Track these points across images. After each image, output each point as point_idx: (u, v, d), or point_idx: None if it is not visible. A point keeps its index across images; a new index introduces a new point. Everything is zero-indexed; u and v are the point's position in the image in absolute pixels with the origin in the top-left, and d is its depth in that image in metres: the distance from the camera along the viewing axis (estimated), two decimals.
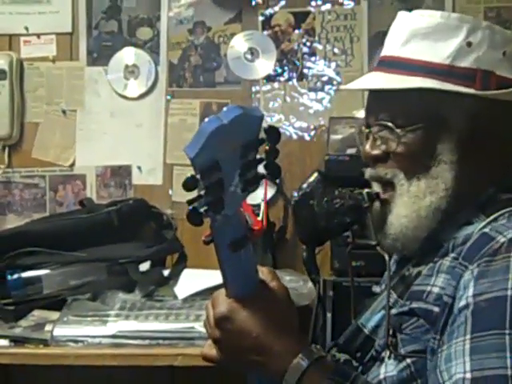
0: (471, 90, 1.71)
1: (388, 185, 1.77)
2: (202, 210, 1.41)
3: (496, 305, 1.51)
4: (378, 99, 1.80)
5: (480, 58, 1.73)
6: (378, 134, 1.76)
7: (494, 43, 1.74)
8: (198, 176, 1.39)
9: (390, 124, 1.73)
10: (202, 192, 1.40)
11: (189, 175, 1.39)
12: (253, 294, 1.58)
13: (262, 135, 1.44)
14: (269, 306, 1.58)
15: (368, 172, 1.81)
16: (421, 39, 1.75)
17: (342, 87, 1.98)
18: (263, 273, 1.62)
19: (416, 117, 1.72)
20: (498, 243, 1.57)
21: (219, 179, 1.40)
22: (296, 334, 1.60)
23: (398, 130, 1.73)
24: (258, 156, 1.44)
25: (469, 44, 1.73)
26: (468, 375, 1.47)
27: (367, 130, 1.80)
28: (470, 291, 1.55)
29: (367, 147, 1.79)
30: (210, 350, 1.65)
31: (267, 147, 1.45)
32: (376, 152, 1.77)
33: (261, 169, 1.46)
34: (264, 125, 1.45)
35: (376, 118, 1.77)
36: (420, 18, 1.78)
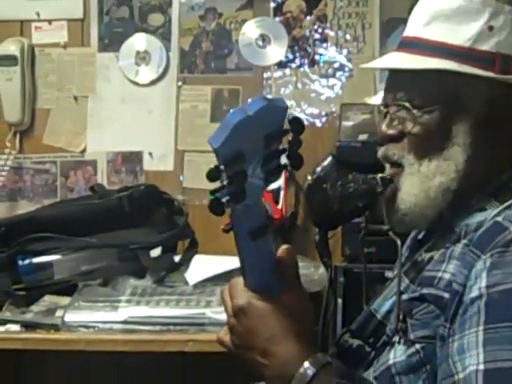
0: (490, 74, 1.70)
1: (396, 165, 1.76)
2: (224, 199, 1.41)
3: (510, 296, 1.51)
4: (396, 79, 1.78)
5: (501, 43, 1.71)
6: (396, 113, 1.75)
7: None
8: (222, 167, 1.39)
9: (407, 104, 1.72)
10: (225, 182, 1.40)
11: (212, 166, 1.40)
12: (271, 288, 1.58)
13: (286, 126, 1.44)
14: (284, 311, 1.58)
15: (379, 151, 1.80)
16: (442, 21, 1.74)
17: (362, 66, 1.96)
18: (287, 272, 1.61)
19: (433, 98, 1.71)
20: (511, 234, 1.56)
21: (242, 170, 1.40)
22: (306, 340, 1.59)
23: (415, 111, 1.71)
24: (280, 146, 1.44)
25: (490, 28, 1.71)
26: (481, 367, 1.46)
27: (385, 110, 1.78)
28: (483, 282, 1.54)
29: (383, 126, 1.78)
30: (226, 336, 1.65)
31: (290, 138, 1.45)
32: (392, 132, 1.76)
33: (283, 159, 1.46)
34: (288, 115, 1.45)
35: (394, 97, 1.76)
36: (442, 0, 1.76)
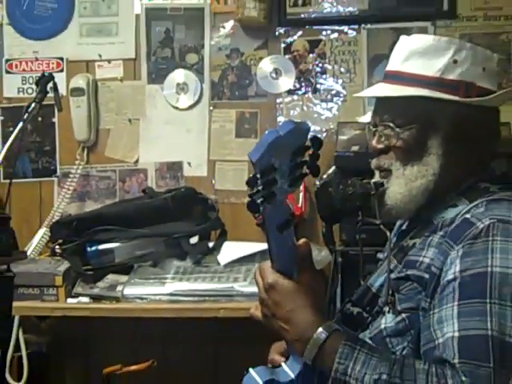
0: (456, 98, 1.70)
1: (386, 171, 1.75)
2: (258, 201, 1.42)
3: (478, 279, 1.51)
4: (382, 104, 1.78)
5: (464, 73, 1.71)
6: (383, 131, 1.75)
7: (476, 60, 1.72)
8: (258, 175, 1.40)
9: (391, 124, 1.73)
10: (260, 187, 1.40)
11: (251, 175, 1.41)
12: (293, 271, 1.58)
13: (308, 143, 1.44)
14: (303, 289, 1.58)
15: (372, 163, 1.79)
16: (417, 58, 1.74)
17: (356, 95, 1.96)
18: (305, 258, 1.61)
19: (412, 118, 1.71)
20: (478, 229, 1.56)
21: (273, 178, 1.40)
22: (320, 311, 1.59)
23: (398, 129, 1.72)
24: (303, 159, 1.44)
25: (455, 61, 1.71)
26: (456, 334, 1.47)
27: (374, 129, 1.78)
28: (457, 267, 1.54)
29: (374, 142, 1.78)
30: (256, 310, 1.67)
31: (311, 152, 1.44)
32: (380, 146, 1.76)
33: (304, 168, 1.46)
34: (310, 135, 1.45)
35: (380, 118, 1.76)
36: (417, 40, 1.77)
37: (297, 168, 1.42)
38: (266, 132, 1.40)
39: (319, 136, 1.45)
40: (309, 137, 1.43)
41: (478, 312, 1.47)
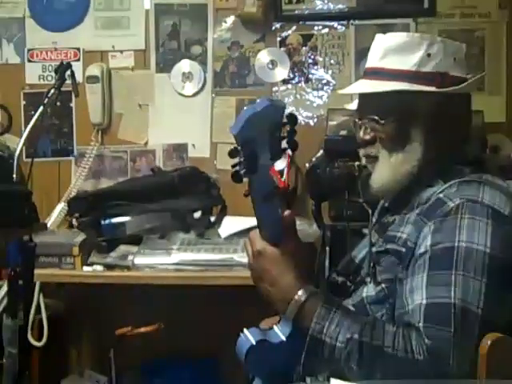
0: (432, 88, 1.69)
1: (374, 158, 1.75)
2: (242, 171, 1.43)
3: (446, 252, 1.52)
4: (365, 99, 1.78)
5: (438, 65, 1.70)
6: (367, 124, 1.75)
7: (447, 52, 1.71)
8: (239, 148, 1.41)
9: (375, 117, 1.72)
10: (242, 159, 1.42)
11: (232, 147, 1.42)
12: (279, 239, 1.58)
13: (285, 120, 1.45)
14: (287, 255, 1.59)
15: (361, 152, 1.79)
16: (393, 54, 1.73)
17: (340, 91, 1.94)
18: (289, 228, 1.61)
19: (394, 111, 1.70)
20: (449, 207, 1.57)
21: (254, 150, 1.41)
22: (302, 276, 1.59)
23: (382, 122, 1.71)
24: (281, 134, 1.45)
25: (428, 55, 1.71)
26: (424, 301, 1.48)
27: (360, 122, 1.78)
28: (428, 242, 1.56)
29: (360, 134, 1.77)
30: None
31: (288, 128, 1.45)
32: (367, 137, 1.75)
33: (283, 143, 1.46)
34: (286, 112, 1.45)
35: (365, 113, 1.76)
36: (391, 38, 1.75)
37: (276, 142, 1.43)
38: (245, 108, 1.41)
39: (295, 114, 1.47)
40: (285, 114, 1.43)
41: (443, 282, 1.48)
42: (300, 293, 1.56)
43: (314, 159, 1.78)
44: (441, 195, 1.62)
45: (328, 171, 1.82)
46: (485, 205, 1.56)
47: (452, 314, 1.45)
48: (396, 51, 1.72)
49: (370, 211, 1.81)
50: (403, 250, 1.62)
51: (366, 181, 1.76)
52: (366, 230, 1.93)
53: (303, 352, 1.53)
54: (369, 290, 1.69)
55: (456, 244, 1.52)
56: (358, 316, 1.56)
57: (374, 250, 1.72)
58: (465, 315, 1.45)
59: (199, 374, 3.18)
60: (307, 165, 1.78)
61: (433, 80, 1.69)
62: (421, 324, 1.46)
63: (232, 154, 1.42)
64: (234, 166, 1.43)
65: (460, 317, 1.44)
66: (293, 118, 1.45)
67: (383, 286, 1.65)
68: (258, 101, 1.42)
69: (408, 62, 1.70)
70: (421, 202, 1.66)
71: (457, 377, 1.42)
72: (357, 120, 1.79)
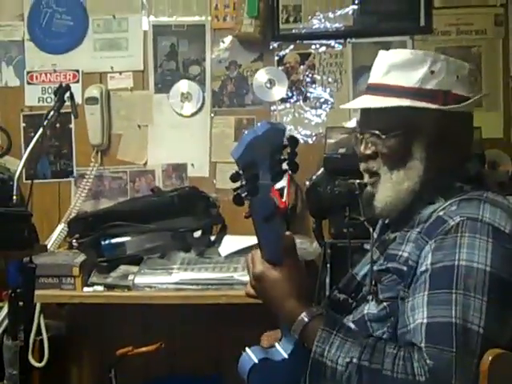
0: (435, 106, 1.68)
1: (375, 175, 1.74)
2: (243, 194, 1.43)
3: (446, 271, 1.51)
4: (368, 114, 1.76)
5: (441, 82, 1.69)
6: (369, 139, 1.74)
7: (450, 70, 1.70)
8: (241, 171, 1.41)
9: (377, 132, 1.71)
10: (244, 182, 1.42)
11: (234, 171, 1.42)
12: (280, 259, 1.57)
13: (285, 142, 1.44)
14: (287, 277, 1.57)
15: (361, 166, 1.78)
16: (397, 70, 1.72)
17: (342, 106, 1.94)
18: (289, 249, 1.60)
19: (396, 126, 1.69)
20: (449, 225, 1.56)
21: (255, 173, 1.41)
22: (303, 297, 1.59)
23: (383, 136, 1.70)
24: (282, 157, 1.44)
25: (432, 72, 1.69)
26: (424, 320, 1.47)
27: (361, 137, 1.77)
28: (429, 260, 1.54)
29: (361, 148, 1.76)
30: (249, 289, 1.65)
31: (289, 150, 1.45)
32: (368, 152, 1.74)
33: (284, 165, 1.46)
34: (286, 134, 1.44)
35: (367, 127, 1.74)
36: (395, 55, 1.75)
37: (277, 164, 1.43)
38: (245, 132, 1.40)
39: (295, 136, 1.46)
40: (286, 136, 1.43)
41: (444, 301, 1.47)
42: (303, 315, 1.55)
43: (314, 177, 1.77)
44: (441, 213, 1.60)
45: (329, 189, 1.81)
46: (485, 223, 1.54)
47: (453, 334, 1.43)
48: (399, 68, 1.71)
49: (371, 229, 1.80)
50: (404, 268, 1.61)
51: (368, 199, 1.75)
52: (367, 246, 1.92)
53: (306, 372, 1.53)
54: (370, 308, 1.68)
55: (456, 263, 1.50)
56: (359, 338, 1.54)
57: (375, 268, 1.71)
58: (466, 334, 1.44)
59: None
60: (307, 183, 1.77)
61: (435, 97, 1.68)
62: (422, 344, 1.45)
63: (234, 177, 1.42)
64: (235, 190, 1.43)
65: (461, 336, 1.43)
66: (293, 141, 1.45)
67: (385, 304, 1.64)
68: (259, 124, 1.42)
69: (411, 79, 1.69)
70: (421, 220, 1.65)
71: None
72: (358, 135, 1.78)
